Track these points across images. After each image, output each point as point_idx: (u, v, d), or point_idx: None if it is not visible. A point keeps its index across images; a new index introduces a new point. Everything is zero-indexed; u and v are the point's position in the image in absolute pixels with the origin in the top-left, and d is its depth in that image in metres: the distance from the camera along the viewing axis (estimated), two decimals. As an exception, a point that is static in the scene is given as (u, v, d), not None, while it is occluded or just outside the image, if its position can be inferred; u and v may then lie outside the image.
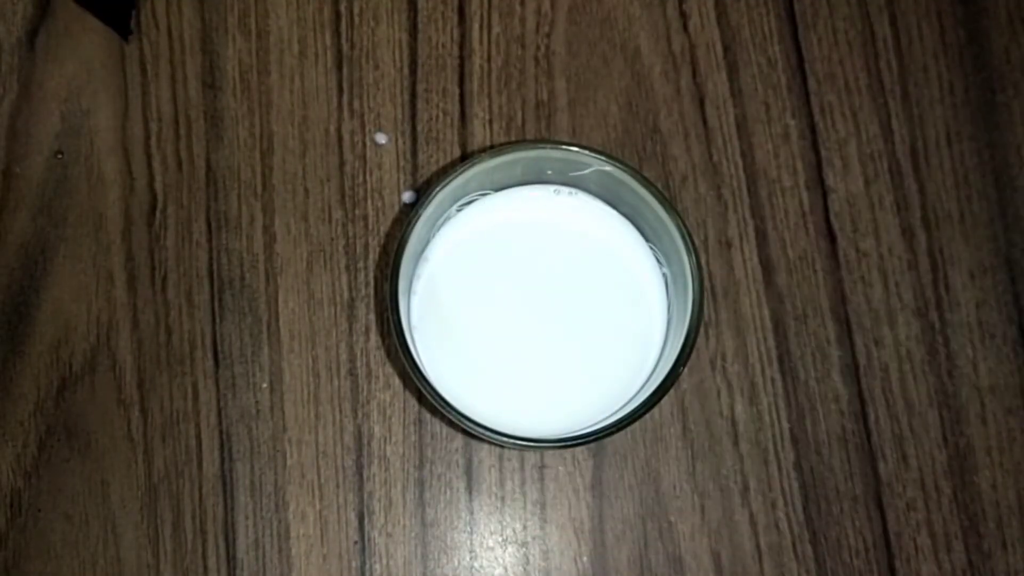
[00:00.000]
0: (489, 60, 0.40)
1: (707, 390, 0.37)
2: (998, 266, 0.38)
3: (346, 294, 0.38)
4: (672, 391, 0.31)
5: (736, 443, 0.37)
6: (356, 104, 0.39)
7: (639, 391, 0.33)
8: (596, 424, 0.31)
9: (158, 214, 0.38)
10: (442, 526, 0.36)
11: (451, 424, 0.36)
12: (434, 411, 0.37)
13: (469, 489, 0.36)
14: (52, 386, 0.37)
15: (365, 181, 0.39)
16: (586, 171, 0.33)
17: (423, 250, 0.34)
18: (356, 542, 0.36)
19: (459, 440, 0.37)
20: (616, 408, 0.32)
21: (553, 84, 0.39)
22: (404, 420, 0.37)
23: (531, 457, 0.37)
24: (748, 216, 0.39)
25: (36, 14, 0.40)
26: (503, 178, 0.34)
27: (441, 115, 0.39)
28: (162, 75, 0.39)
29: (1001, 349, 0.38)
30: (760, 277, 0.38)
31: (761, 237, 0.38)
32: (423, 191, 0.39)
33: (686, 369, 0.30)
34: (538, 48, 0.40)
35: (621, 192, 0.33)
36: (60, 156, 0.39)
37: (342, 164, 0.39)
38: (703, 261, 0.38)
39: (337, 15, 0.40)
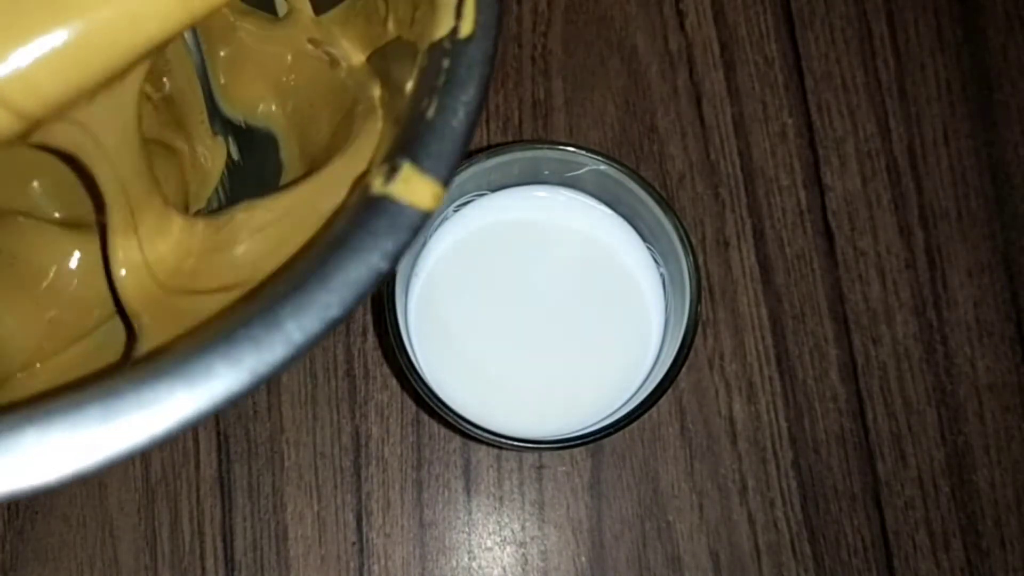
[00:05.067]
0: (486, 59, 0.40)
1: (705, 389, 0.37)
2: (996, 264, 0.38)
3: (343, 295, 0.38)
4: (670, 391, 0.31)
5: (734, 442, 0.37)
6: (352, 104, 0.39)
7: (637, 391, 0.33)
8: (594, 424, 0.31)
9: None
10: (440, 527, 0.36)
11: (449, 425, 0.36)
12: (432, 412, 0.37)
13: (467, 490, 0.36)
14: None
15: (362, 181, 0.39)
16: (583, 171, 0.32)
17: (420, 250, 0.34)
18: (354, 543, 0.36)
19: (457, 441, 0.37)
20: (614, 408, 0.32)
21: (550, 83, 0.39)
22: (402, 421, 0.37)
23: (529, 457, 0.37)
24: (746, 215, 0.38)
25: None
26: (500, 178, 0.33)
27: (438, 115, 0.39)
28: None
29: (999, 347, 0.38)
30: (758, 276, 0.38)
31: (759, 236, 0.38)
32: (420, 191, 0.38)
33: (684, 369, 0.30)
34: (535, 47, 0.40)
35: (618, 192, 0.33)
36: None
37: (339, 164, 0.39)
38: (700, 260, 0.38)
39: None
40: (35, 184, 0.29)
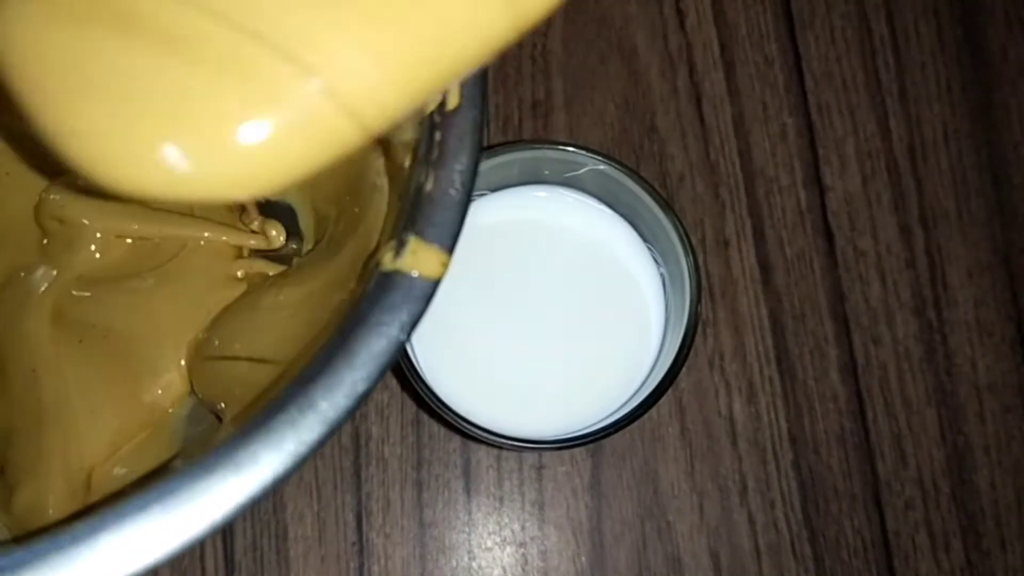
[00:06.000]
0: (485, 59, 0.40)
1: (705, 389, 0.37)
2: (996, 264, 0.38)
3: (343, 295, 0.38)
4: (670, 391, 0.31)
5: (734, 442, 0.37)
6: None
7: (637, 391, 0.33)
8: (594, 424, 0.31)
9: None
10: (440, 527, 0.36)
11: (448, 425, 0.36)
12: (432, 412, 0.37)
13: (467, 490, 0.36)
14: (48, 388, 0.37)
15: (362, 181, 0.39)
16: (583, 171, 0.32)
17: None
18: (354, 543, 0.36)
19: (457, 441, 0.37)
20: (614, 408, 0.32)
21: (550, 83, 0.39)
22: (402, 421, 0.37)
23: (529, 458, 0.37)
24: (745, 215, 0.38)
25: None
26: (500, 178, 0.33)
27: (438, 115, 0.39)
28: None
29: (999, 347, 0.38)
30: (758, 276, 0.38)
31: (759, 236, 0.38)
32: (420, 191, 0.38)
33: (684, 369, 0.30)
34: (534, 47, 0.40)
35: (618, 192, 0.32)
36: None
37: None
38: (700, 260, 0.38)
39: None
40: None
